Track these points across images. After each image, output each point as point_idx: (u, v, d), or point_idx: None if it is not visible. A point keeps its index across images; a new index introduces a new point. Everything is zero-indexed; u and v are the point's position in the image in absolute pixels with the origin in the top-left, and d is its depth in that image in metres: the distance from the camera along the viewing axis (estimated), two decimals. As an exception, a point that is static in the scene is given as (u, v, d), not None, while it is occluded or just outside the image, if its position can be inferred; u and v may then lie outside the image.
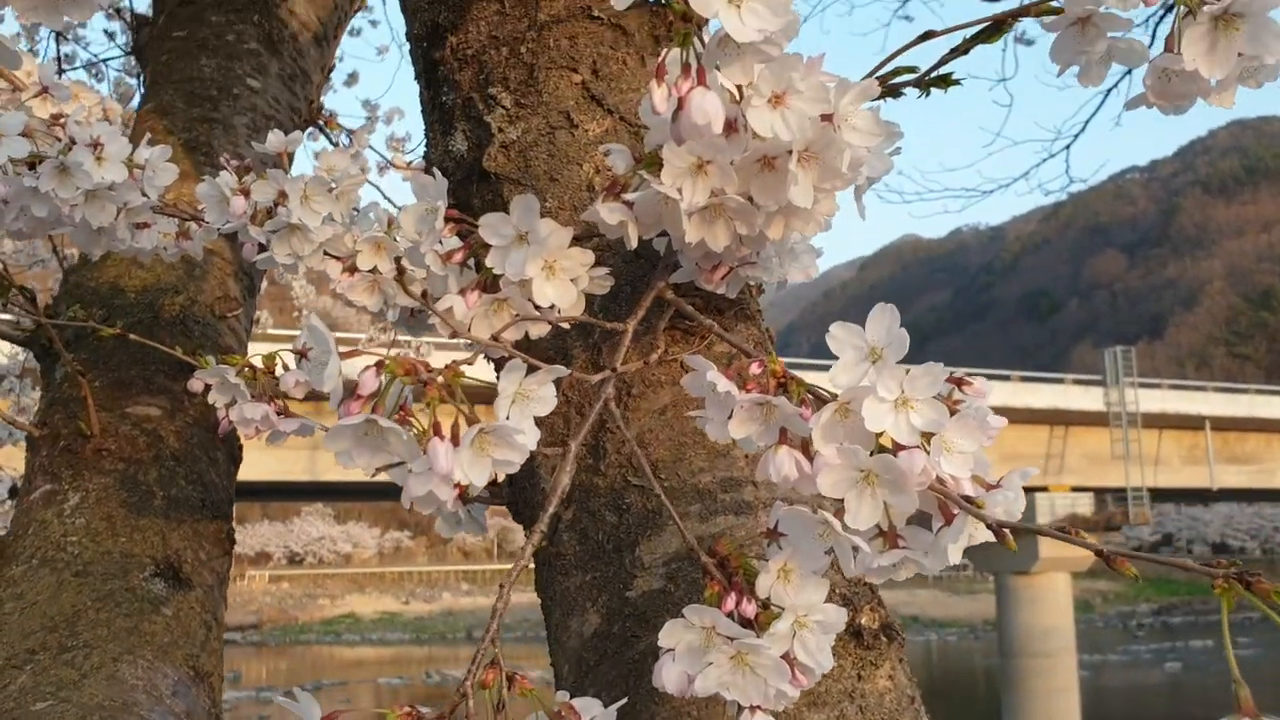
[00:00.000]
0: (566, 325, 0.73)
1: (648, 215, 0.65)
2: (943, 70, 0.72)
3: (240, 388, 0.82)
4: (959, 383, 0.60)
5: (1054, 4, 0.62)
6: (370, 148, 1.78)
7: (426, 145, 1.01)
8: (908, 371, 0.56)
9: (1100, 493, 21.08)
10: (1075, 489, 20.48)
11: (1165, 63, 0.53)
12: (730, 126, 0.60)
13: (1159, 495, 23.19)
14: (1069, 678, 18.54)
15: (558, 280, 0.66)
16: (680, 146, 0.57)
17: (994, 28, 0.68)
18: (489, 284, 0.67)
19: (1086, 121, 5.66)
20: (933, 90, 0.73)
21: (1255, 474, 22.69)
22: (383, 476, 0.58)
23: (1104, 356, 21.59)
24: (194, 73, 1.39)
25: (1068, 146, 5.82)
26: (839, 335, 0.59)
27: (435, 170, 0.70)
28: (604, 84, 0.91)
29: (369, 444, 0.53)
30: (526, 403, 0.57)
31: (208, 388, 1.10)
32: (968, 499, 0.54)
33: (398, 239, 0.96)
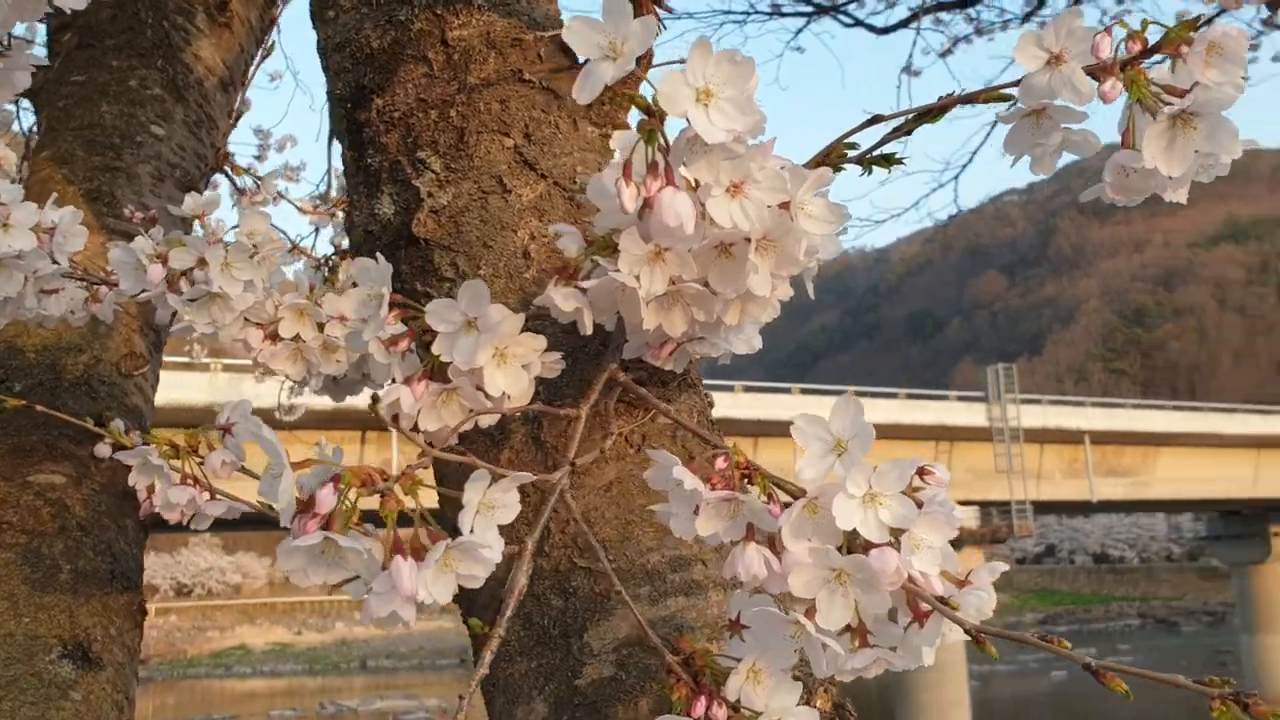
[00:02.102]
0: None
1: (602, 300, 0.63)
2: (886, 150, 0.72)
3: (164, 470, 0.78)
4: (920, 472, 0.60)
5: (1005, 91, 0.63)
6: (255, 176, 1.71)
7: (350, 206, 0.98)
8: (875, 467, 0.56)
9: (985, 506, 21.65)
10: (961, 503, 20.86)
11: (1124, 160, 0.54)
12: (688, 214, 0.59)
13: (1041, 508, 23.90)
14: (960, 690, 18.96)
15: (509, 368, 0.64)
16: (645, 242, 0.56)
17: (938, 111, 0.68)
18: (435, 372, 0.65)
19: (975, 152, 5.83)
20: (874, 168, 0.74)
21: (1133, 486, 23.55)
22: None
23: (986, 374, 22.20)
24: (94, 120, 1.32)
25: (956, 176, 5.99)
26: (804, 428, 0.58)
27: (376, 254, 0.67)
28: (537, 148, 0.89)
29: (325, 561, 0.50)
30: (491, 513, 0.54)
31: (114, 449, 1.04)
32: (941, 599, 0.54)
33: (321, 306, 0.93)
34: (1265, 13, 4.18)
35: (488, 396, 0.65)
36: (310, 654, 29.74)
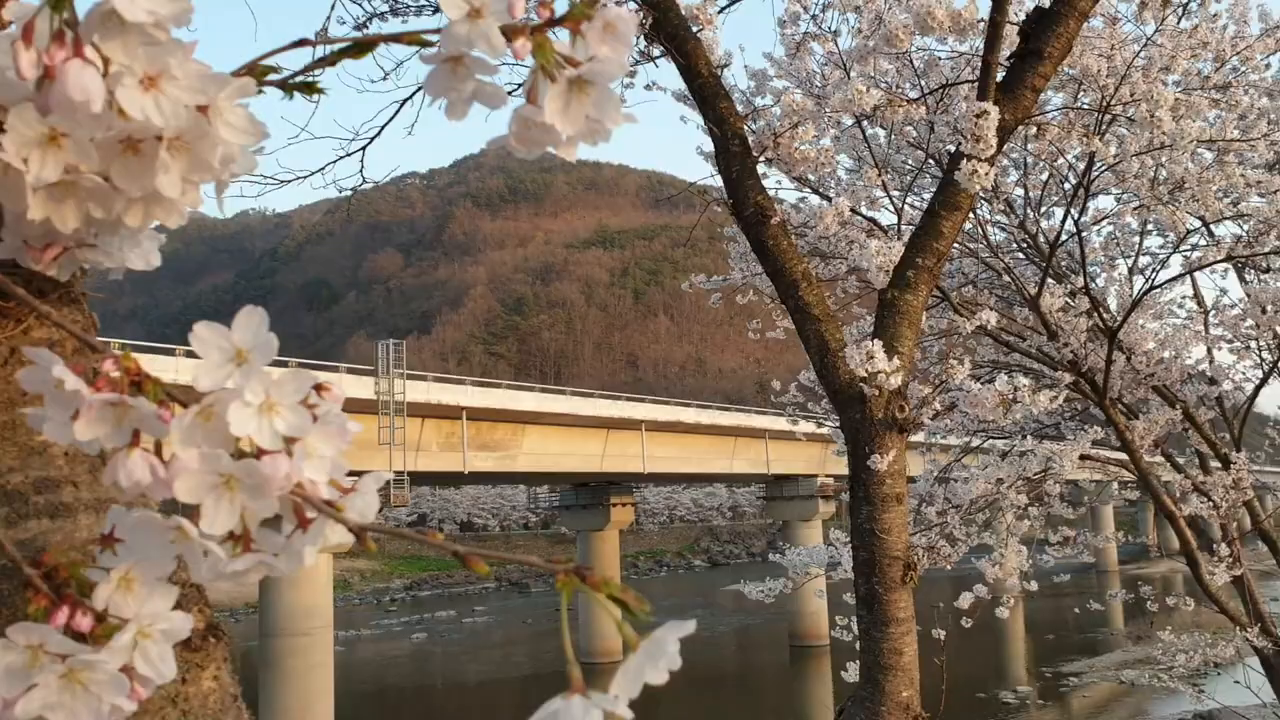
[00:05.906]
0: None
1: (-21, 183, 0.57)
2: (310, 77, 0.73)
3: None
4: (318, 388, 0.62)
5: (425, 35, 0.67)
6: None
7: None
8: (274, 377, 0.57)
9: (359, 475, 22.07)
10: (351, 474, 21.16)
11: (528, 113, 0.60)
12: (92, 101, 0.55)
13: (418, 478, 24.86)
14: (325, 654, 19.18)
15: None
16: (43, 116, 0.51)
17: (363, 47, 0.71)
18: None
19: (383, 126, 5.92)
20: (296, 93, 0.74)
21: (501, 459, 25.37)
22: None
23: (377, 348, 22.59)
24: None
25: (364, 148, 6.03)
26: (204, 336, 0.57)
27: None
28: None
29: None
30: None
31: None
32: (328, 503, 0.56)
33: None
34: (644, 45, 4.73)
35: None
36: None
